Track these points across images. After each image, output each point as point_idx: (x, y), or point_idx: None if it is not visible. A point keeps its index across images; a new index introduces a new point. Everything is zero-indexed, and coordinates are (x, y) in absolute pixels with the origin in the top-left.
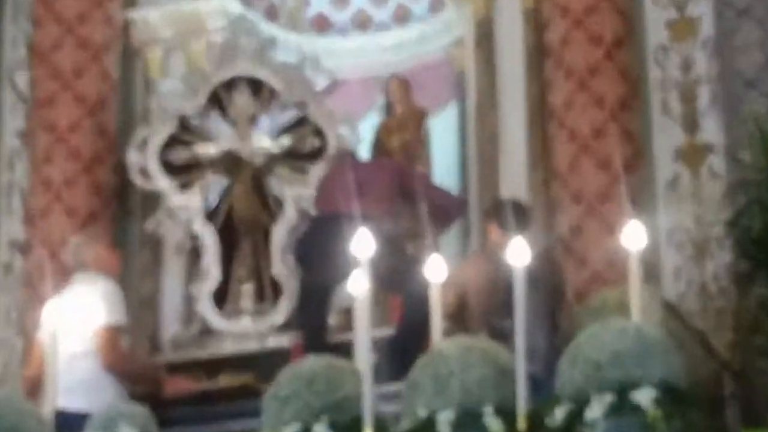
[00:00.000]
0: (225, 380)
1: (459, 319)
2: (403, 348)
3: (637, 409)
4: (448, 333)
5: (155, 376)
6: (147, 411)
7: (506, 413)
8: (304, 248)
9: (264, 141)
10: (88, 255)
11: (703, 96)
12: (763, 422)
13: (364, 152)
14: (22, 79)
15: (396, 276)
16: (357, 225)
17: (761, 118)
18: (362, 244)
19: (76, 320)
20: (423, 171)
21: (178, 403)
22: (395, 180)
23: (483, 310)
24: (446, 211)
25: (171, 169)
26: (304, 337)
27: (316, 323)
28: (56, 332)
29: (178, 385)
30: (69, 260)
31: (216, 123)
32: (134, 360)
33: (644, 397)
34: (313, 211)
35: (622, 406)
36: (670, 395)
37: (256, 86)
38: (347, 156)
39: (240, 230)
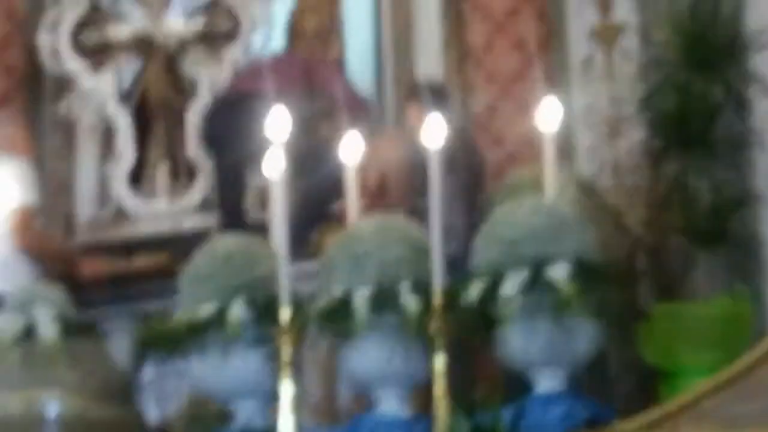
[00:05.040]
0: (140, 261)
1: (379, 198)
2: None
3: (551, 284)
4: (367, 212)
5: (71, 256)
6: (63, 292)
7: (423, 290)
8: (213, 127)
9: (177, 23)
10: (0, 137)
11: None
12: (674, 297)
13: (277, 36)
14: None
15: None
16: (269, 104)
17: None
18: (278, 123)
19: None
20: (333, 61)
21: (94, 284)
22: (304, 72)
23: (404, 190)
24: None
25: (83, 51)
26: (221, 216)
27: (232, 202)
28: None
29: (94, 267)
30: None
31: (128, 4)
32: (49, 240)
33: (558, 272)
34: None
35: (536, 282)
36: (583, 270)
37: None
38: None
39: (154, 113)
